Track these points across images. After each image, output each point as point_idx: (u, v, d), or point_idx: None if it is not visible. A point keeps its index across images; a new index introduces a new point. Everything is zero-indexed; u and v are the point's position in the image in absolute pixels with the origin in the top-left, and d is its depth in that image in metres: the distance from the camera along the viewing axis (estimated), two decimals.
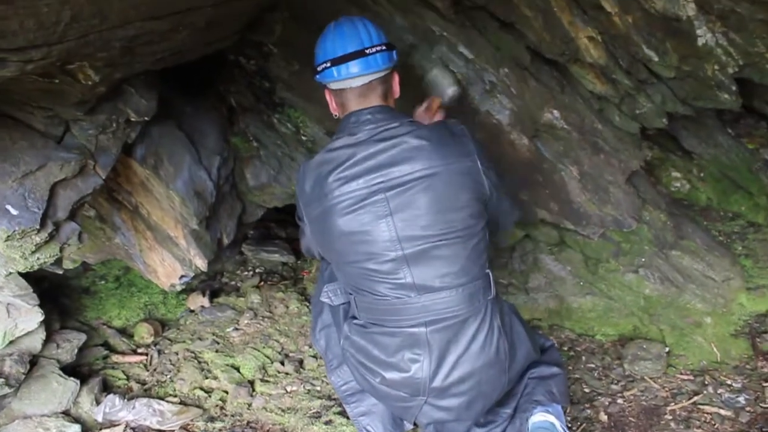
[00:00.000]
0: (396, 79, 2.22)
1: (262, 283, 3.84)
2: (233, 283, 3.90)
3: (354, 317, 2.23)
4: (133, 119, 2.38)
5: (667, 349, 3.04)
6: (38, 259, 2.12)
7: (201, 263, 2.79)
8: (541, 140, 2.95)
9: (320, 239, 2.18)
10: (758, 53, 2.88)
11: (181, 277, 2.84)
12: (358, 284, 2.13)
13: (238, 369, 3.13)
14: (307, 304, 3.63)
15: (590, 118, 3.03)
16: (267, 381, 3.04)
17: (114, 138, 2.31)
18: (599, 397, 2.83)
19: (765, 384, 2.82)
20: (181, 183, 2.63)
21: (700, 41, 2.82)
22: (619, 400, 2.81)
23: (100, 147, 2.26)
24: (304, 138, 3.10)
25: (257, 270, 4.00)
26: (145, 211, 2.68)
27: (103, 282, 3.55)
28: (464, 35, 2.79)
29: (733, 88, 3.05)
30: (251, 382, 3.04)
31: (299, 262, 4.14)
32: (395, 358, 2.08)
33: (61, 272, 2.40)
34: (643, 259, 3.13)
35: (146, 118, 2.43)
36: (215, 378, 3.05)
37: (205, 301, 3.59)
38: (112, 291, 3.53)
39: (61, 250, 2.17)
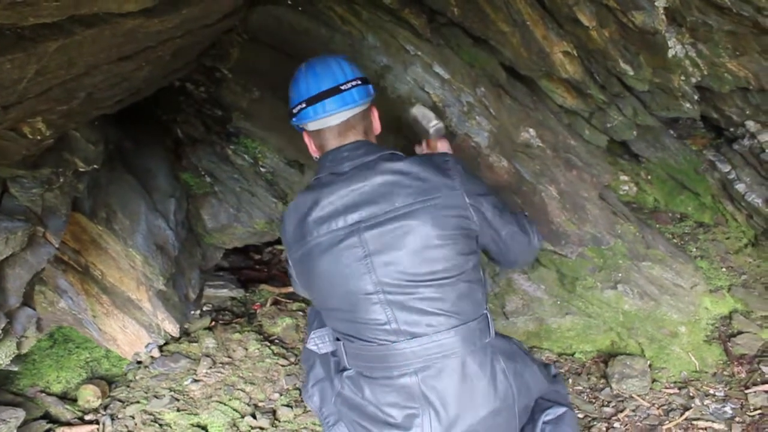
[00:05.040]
0: (375, 114, 2.11)
1: (213, 323, 3.50)
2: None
3: (344, 369, 2.07)
4: (81, 169, 2.02)
5: (648, 363, 3.02)
6: None
7: (172, 328, 2.45)
8: (517, 160, 2.83)
9: (304, 282, 2.05)
10: (722, 63, 2.91)
11: (148, 344, 2.49)
12: (343, 329, 1.99)
13: (205, 429, 2.81)
14: (268, 344, 3.35)
15: (563, 134, 2.95)
16: None
17: (62, 194, 1.95)
18: (595, 423, 2.76)
19: (747, 391, 2.85)
20: (141, 238, 2.28)
21: (671, 53, 2.81)
22: (616, 424, 2.75)
23: (48, 208, 1.89)
24: (263, 170, 2.83)
25: (205, 308, 3.64)
26: (98, 273, 2.31)
27: (34, 342, 3.10)
28: (439, 54, 2.61)
29: (696, 97, 3.08)
30: None
31: (248, 295, 3.83)
32: (393, 417, 1.92)
33: (17, 368, 2.00)
34: (620, 274, 3.09)
35: (95, 166, 2.08)
36: None
37: (153, 351, 3.22)
38: (45, 351, 3.08)
39: (18, 345, 1.79)
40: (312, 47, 2.34)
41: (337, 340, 2.07)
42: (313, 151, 2.10)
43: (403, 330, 1.86)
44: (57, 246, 1.89)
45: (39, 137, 1.64)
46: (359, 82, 1.99)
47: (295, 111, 2.01)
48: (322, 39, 2.43)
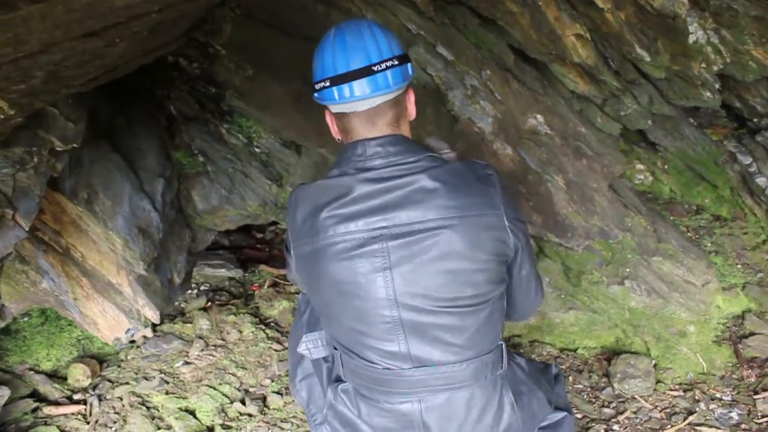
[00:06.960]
0: (411, 98, 1.78)
1: (209, 303, 3.44)
2: (177, 304, 3.47)
3: (339, 379, 1.90)
4: (59, 148, 1.94)
5: (653, 363, 2.91)
6: None
7: (152, 314, 2.38)
8: (523, 148, 2.69)
9: (306, 280, 1.83)
10: (746, 50, 2.75)
11: (128, 330, 2.42)
12: (344, 343, 1.80)
13: (193, 413, 2.77)
14: (263, 327, 3.29)
15: (573, 121, 2.80)
16: (229, 426, 2.70)
17: (36, 174, 1.86)
18: (594, 424, 2.66)
19: (756, 396, 2.73)
20: (122, 220, 2.20)
21: (691, 38, 2.65)
22: (615, 427, 2.64)
23: (20, 189, 1.80)
24: (257, 150, 2.73)
25: (202, 288, 3.58)
26: (78, 254, 2.24)
27: (25, 318, 3.04)
28: (443, 34, 2.47)
29: (717, 86, 2.92)
30: (210, 429, 2.69)
31: (247, 275, 3.76)
32: None
33: None
34: (628, 270, 2.96)
35: (75, 145, 1.99)
36: (169, 428, 2.67)
37: (147, 331, 3.16)
38: (37, 327, 3.03)
39: None
40: (307, 24, 2.22)
41: (335, 348, 1.89)
42: (335, 133, 1.82)
43: (414, 356, 1.68)
44: (27, 229, 1.81)
45: (2, 116, 1.56)
46: (396, 62, 1.66)
47: (317, 87, 1.71)
48: (318, 16, 2.30)
